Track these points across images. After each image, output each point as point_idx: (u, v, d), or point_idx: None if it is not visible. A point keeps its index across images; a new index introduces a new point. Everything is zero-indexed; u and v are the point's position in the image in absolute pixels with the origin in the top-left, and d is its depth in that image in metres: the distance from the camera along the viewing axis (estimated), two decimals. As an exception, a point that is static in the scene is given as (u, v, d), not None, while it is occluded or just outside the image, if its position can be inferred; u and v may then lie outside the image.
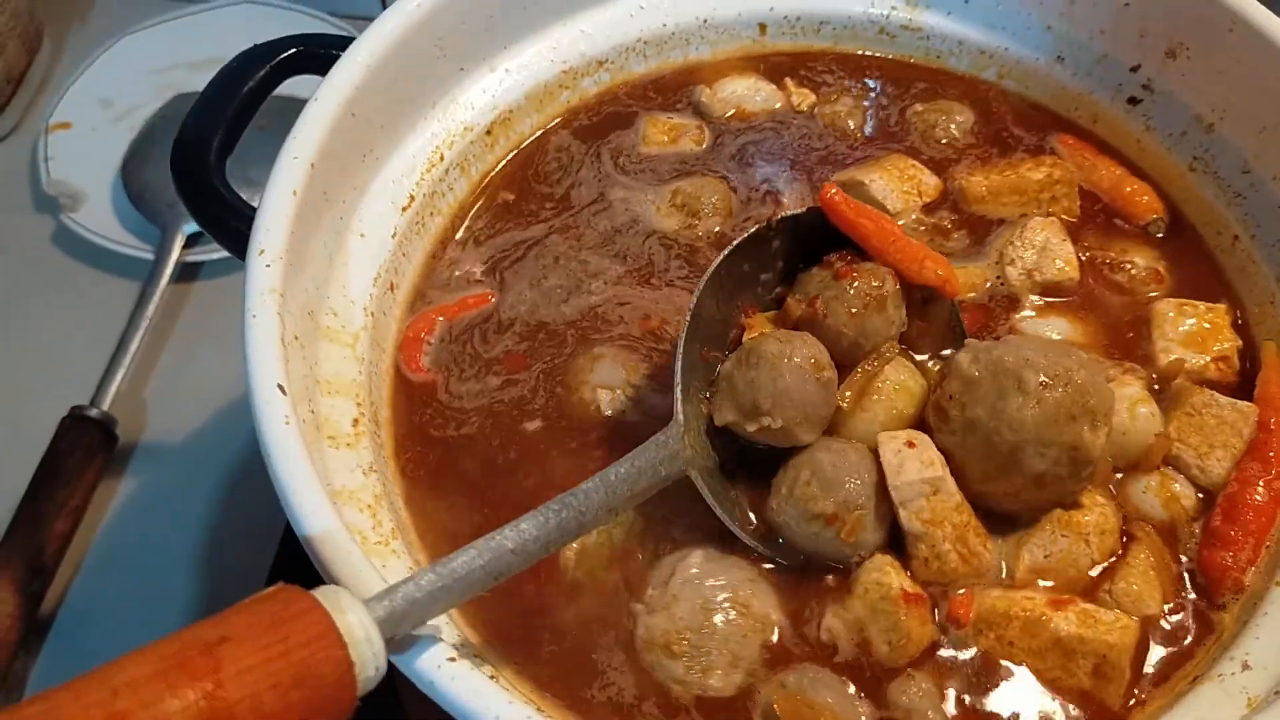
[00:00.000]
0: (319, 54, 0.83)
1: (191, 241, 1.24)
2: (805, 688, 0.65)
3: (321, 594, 0.53)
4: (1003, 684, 0.67)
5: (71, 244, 1.26)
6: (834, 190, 0.74)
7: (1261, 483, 0.73)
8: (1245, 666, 0.66)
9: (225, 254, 1.23)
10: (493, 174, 0.91)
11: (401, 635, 0.56)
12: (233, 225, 0.77)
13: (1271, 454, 0.74)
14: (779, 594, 0.69)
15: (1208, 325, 0.80)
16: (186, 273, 1.25)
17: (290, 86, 0.86)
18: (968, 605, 0.68)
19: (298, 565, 0.97)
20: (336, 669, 0.51)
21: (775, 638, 0.68)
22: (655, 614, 0.68)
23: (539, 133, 0.94)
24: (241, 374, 1.11)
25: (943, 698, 0.66)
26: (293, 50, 0.83)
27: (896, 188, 0.87)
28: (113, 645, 1.00)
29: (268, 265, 0.69)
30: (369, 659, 0.52)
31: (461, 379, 0.79)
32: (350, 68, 0.78)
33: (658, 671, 0.67)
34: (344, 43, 0.81)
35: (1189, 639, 0.69)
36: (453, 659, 0.57)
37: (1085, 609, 0.67)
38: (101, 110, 1.36)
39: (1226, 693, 0.65)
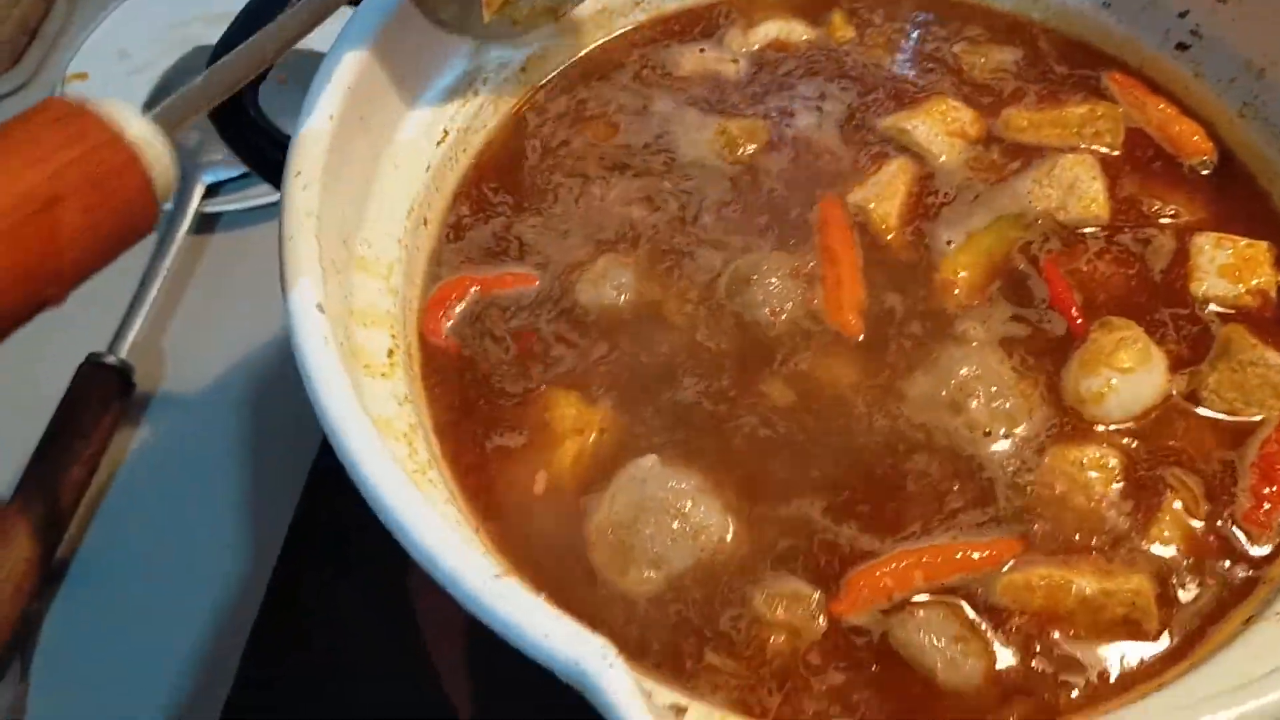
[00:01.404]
0: (354, -17, 0.81)
1: (210, 192, 1.22)
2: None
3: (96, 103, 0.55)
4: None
5: (88, 193, 1.24)
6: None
7: None
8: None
9: (244, 205, 1.22)
10: (523, 108, 0.90)
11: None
12: (264, 150, 0.76)
13: None
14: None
15: (1246, 258, 0.79)
16: (205, 224, 1.23)
17: (311, 42, 0.84)
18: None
19: (321, 514, 0.98)
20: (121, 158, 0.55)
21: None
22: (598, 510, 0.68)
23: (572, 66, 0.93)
24: (259, 324, 1.14)
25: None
26: (329, -22, 0.81)
27: (940, 130, 0.85)
28: (128, 591, 1.00)
29: (304, 188, 0.67)
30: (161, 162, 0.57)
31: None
32: (386, -2, 0.76)
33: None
34: (380, -29, 0.79)
35: (1226, 589, 0.67)
36: (499, 576, 0.55)
37: (1099, 566, 0.66)
38: (118, 62, 1.35)
39: (1286, 631, 0.63)
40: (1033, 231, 0.81)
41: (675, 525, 0.67)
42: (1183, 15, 0.89)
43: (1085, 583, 0.66)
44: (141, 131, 0.56)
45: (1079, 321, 0.76)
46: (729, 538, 0.68)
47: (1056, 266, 0.78)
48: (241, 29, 0.80)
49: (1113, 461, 0.70)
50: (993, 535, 0.68)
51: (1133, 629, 0.65)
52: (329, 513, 0.98)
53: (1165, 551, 0.68)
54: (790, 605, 0.66)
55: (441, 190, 0.83)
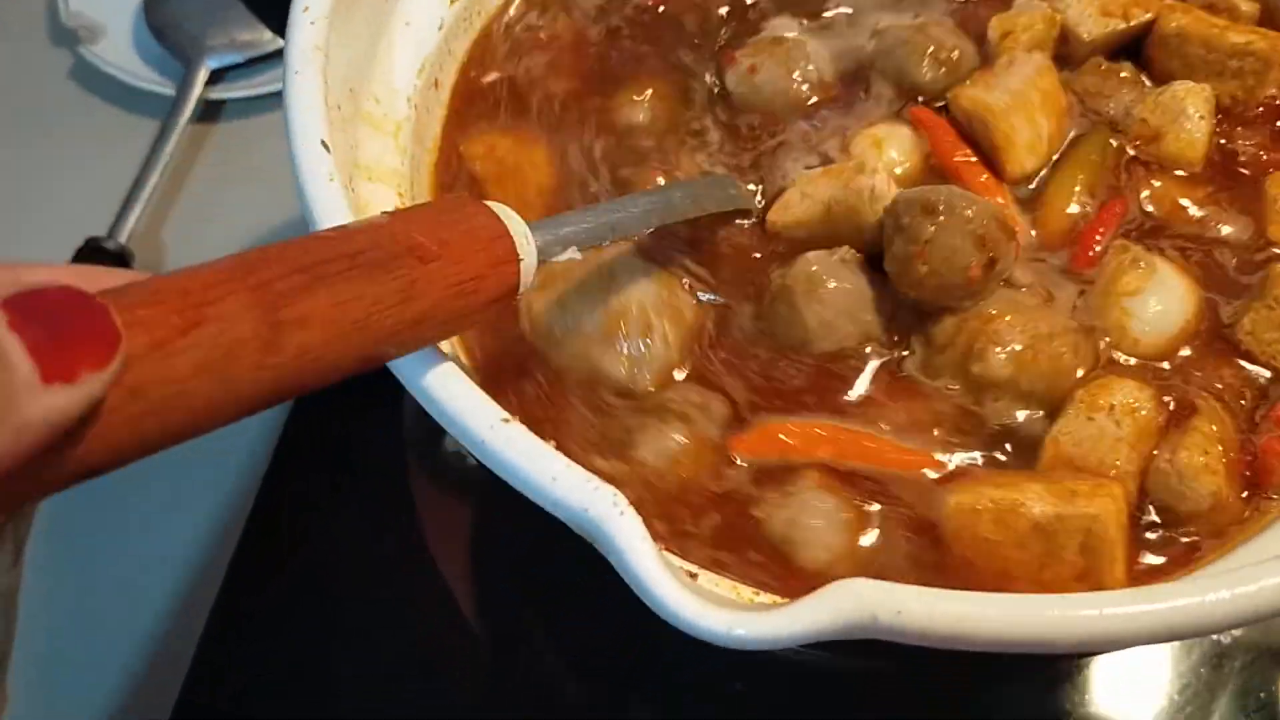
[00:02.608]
0: None
1: (215, 78, 1.18)
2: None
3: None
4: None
5: (90, 78, 1.21)
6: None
7: None
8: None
9: (250, 93, 1.18)
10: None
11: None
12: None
13: None
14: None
15: None
16: (209, 112, 1.19)
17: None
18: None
19: (318, 409, 0.95)
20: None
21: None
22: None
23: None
24: (263, 215, 1.11)
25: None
26: None
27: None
28: (123, 485, 0.97)
29: (312, 23, 0.64)
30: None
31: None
32: None
33: None
34: None
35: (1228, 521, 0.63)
36: (506, 420, 0.52)
37: (1058, 484, 0.61)
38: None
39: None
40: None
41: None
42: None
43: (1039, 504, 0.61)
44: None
45: (1091, 254, 0.72)
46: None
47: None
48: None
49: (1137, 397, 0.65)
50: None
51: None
52: (332, 411, 0.95)
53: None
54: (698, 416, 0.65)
55: (454, 53, 0.79)
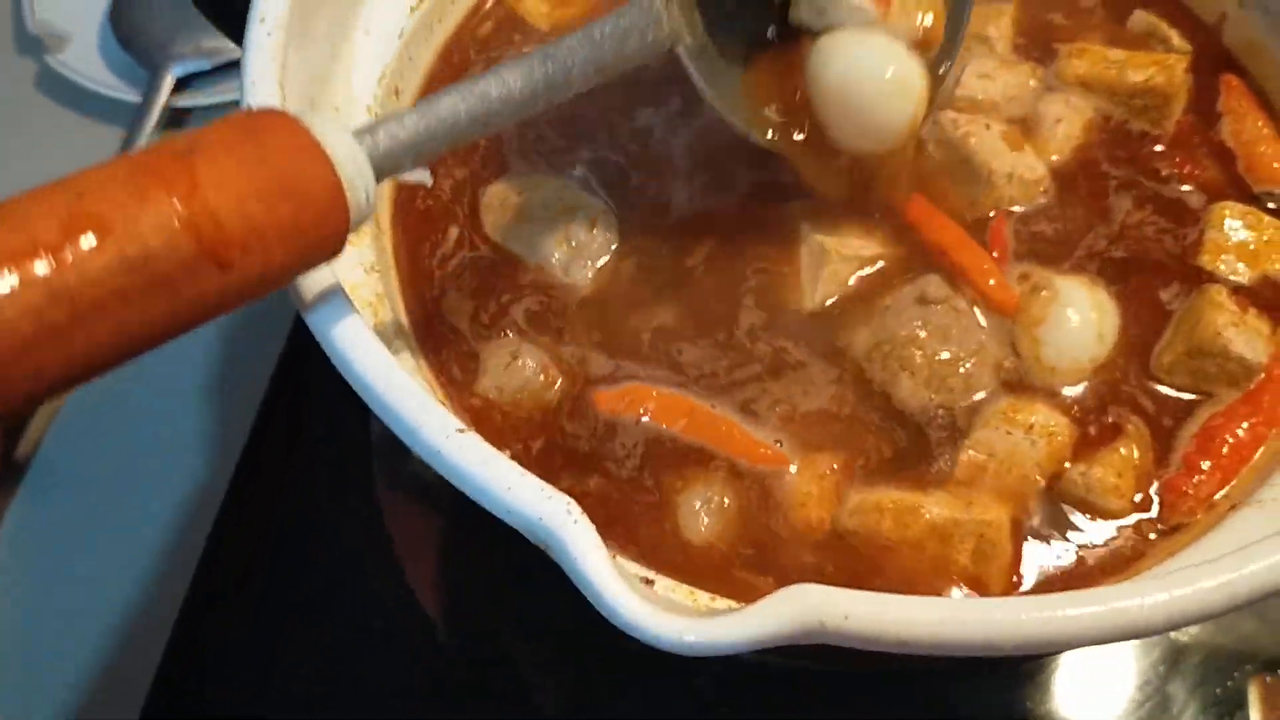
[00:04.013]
0: None
1: (181, 85, 1.18)
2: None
3: (300, 113, 0.50)
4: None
5: (56, 86, 1.20)
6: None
7: (1246, 423, 0.68)
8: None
9: (216, 100, 1.18)
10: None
11: (386, 172, 0.53)
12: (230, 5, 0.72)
13: (1266, 400, 0.69)
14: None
15: (1266, 239, 0.75)
16: (175, 119, 1.19)
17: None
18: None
19: (286, 418, 0.95)
20: (324, 187, 0.48)
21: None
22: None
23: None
24: None
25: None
26: None
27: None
28: (92, 484, 0.97)
29: (269, 34, 0.64)
30: (358, 183, 0.50)
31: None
32: None
33: None
34: None
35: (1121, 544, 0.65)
36: (461, 430, 0.53)
37: (958, 492, 0.65)
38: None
39: (1268, 516, 0.62)
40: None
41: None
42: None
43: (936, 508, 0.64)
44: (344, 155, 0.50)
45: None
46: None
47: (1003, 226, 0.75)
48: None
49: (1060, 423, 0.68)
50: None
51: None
52: (299, 421, 0.95)
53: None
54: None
55: (415, 62, 0.80)
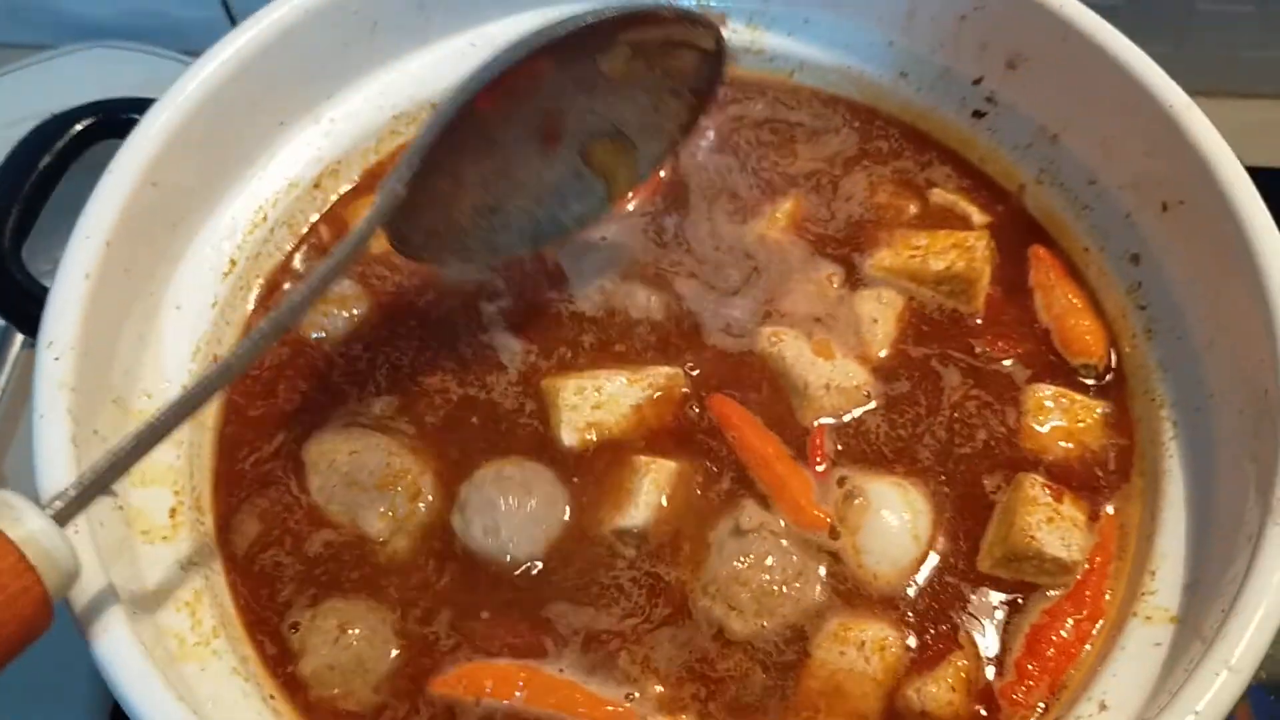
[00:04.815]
0: (119, 120, 0.78)
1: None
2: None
3: None
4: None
5: None
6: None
7: (1071, 619, 0.70)
8: (1103, 707, 0.64)
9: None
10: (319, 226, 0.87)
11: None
12: (33, 313, 0.73)
13: (1088, 593, 0.71)
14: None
15: (1081, 422, 0.77)
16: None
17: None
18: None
19: None
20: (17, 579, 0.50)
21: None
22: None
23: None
24: None
25: None
26: (91, 119, 0.79)
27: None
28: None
29: (56, 358, 0.64)
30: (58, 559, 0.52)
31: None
32: (147, 135, 0.73)
33: None
34: (146, 105, 0.76)
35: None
36: None
37: None
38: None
39: (1085, 734, 0.63)
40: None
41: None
42: (977, 82, 0.89)
43: None
44: (34, 531, 0.52)
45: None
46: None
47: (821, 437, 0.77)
48: (8, 176, 0.77)
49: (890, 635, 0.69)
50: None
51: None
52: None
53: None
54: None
55: (233, 323, 0.80)
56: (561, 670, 0.68)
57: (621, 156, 0.80)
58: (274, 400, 0.77)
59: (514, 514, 0.71)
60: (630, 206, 0.87)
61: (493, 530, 0.71)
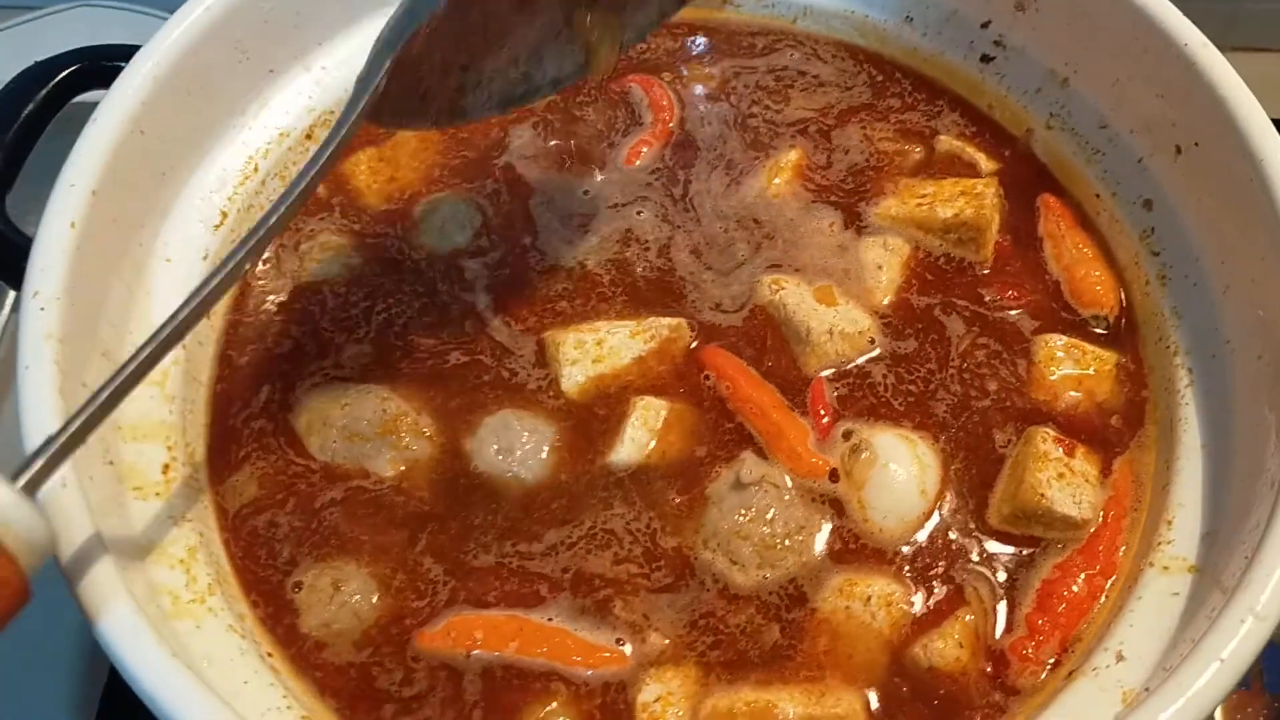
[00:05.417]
0: (104, 67, 0.76)
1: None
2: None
3: None
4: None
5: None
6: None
7: (1083, 574, 0.69)
8: (1120, 657, 0.63)
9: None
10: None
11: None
12: (18, 265, 0.71)
13: (1100, 548, 0.69)
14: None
15: (1092, 371, 0.76)
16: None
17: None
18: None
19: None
20: None
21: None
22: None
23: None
24: None
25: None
26: (75, 66, 0.76)
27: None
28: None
29: (42, 309, 0.62)
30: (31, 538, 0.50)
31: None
32: (134, 82, 0.71)
33: None
34: (131, 52, 0.74)
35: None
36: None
37: (808, 685, 0.64)
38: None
39: (1101, 687, 0.62)
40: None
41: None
42: (985, 25, 0.87)
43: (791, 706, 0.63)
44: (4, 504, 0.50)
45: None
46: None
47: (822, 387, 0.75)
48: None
49: (897, 590, 0.68)
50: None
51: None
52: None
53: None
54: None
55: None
56: (550, 619, 0.67)
57: (609, 18, 0.75)
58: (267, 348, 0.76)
59: (525, 442, 0.72)
60: (637, 162, 0.85)
61: (506, 450, 0.71)
